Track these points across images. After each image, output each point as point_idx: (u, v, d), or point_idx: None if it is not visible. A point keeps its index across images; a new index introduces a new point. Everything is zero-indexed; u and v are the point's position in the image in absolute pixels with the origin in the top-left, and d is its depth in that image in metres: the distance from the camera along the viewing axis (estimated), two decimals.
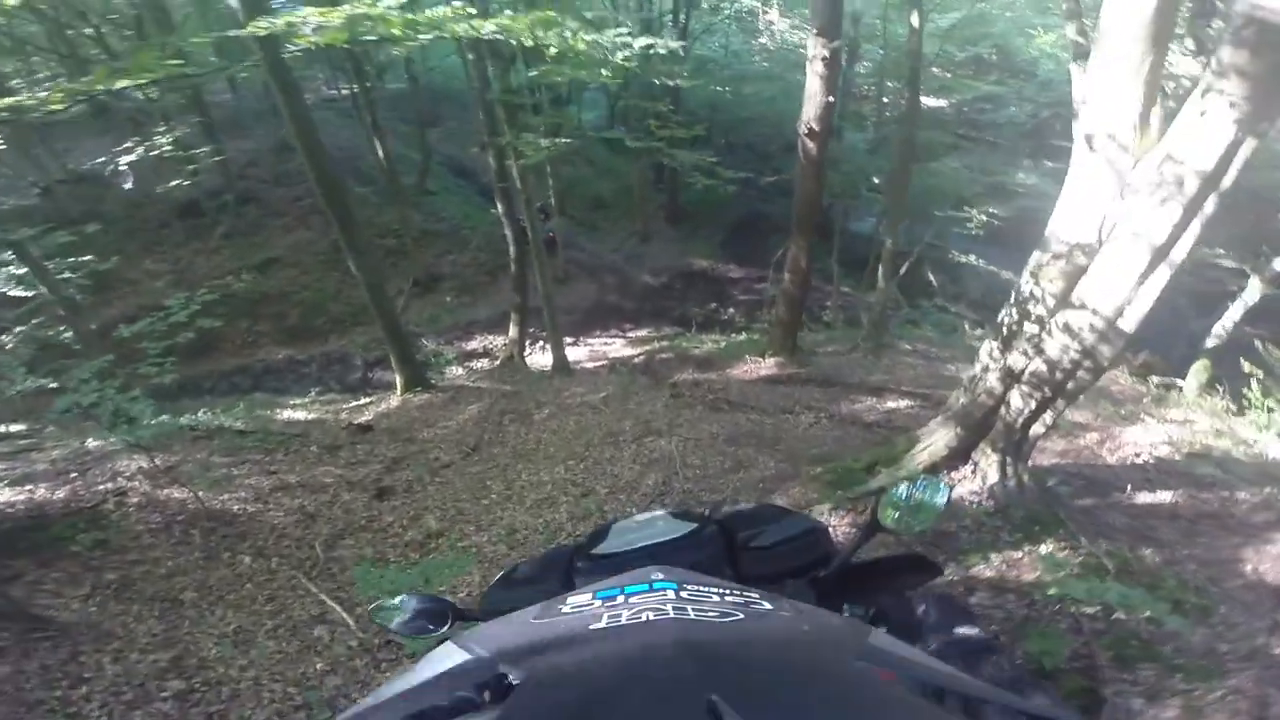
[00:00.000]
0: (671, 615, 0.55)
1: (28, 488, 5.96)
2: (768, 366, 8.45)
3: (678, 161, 11.06)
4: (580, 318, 13.06)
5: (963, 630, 0.94)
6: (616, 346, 12.08)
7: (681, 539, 1.26)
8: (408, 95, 17.65)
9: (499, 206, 10.02)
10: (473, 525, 5.48)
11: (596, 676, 0.46)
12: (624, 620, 0.55)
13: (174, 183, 13.84)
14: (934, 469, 4.04)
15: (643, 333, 12.84)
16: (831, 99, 6.91)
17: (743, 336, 11.90)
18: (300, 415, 9.25)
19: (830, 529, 1.70)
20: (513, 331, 10.75)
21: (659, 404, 7.61)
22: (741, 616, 0.56)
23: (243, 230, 14.92)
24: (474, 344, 12.53)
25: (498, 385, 9.41)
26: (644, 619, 0.55)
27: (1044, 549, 3.54)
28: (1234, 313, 8.15)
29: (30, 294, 9.64)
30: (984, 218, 10.69)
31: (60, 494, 5.85)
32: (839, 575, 1.05)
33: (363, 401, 9.83)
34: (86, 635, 3.87)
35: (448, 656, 0.56)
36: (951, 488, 1.77)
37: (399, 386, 9.41)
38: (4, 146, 12.02)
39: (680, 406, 7.49)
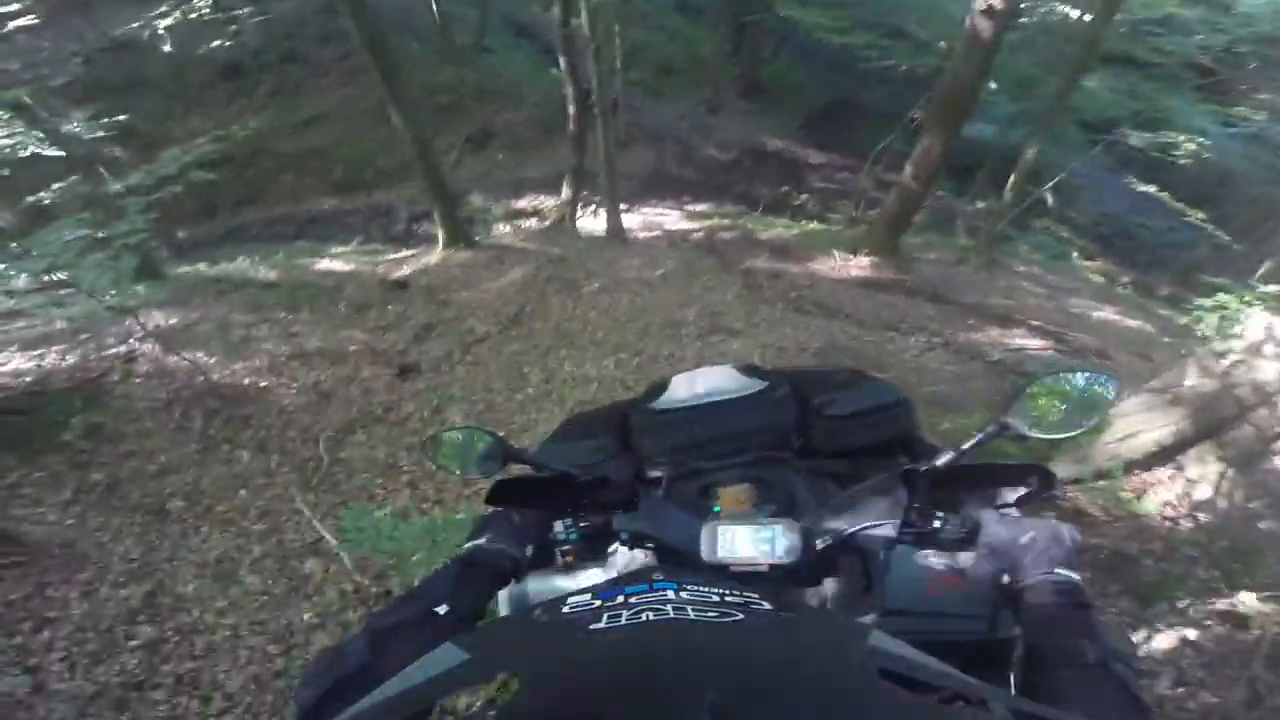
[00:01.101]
0: (671, 615, 0.54)
1: (39, 351, 5.33)
2: (861, 266, 7.07)
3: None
4: (637, 186, 11.69)
5: (1063, 573, 0.69)
6: (673, 219, 10.79)
7: (748, 398, 1.12)
8: None
9: (561, 61, 8.67)
10: (503, 429, 4.54)
11: (596, 677, 0.45)
12: (624, 620, 0.53)
13: (215, 43, 13.00)
14: (1132, 467, 2.93)
15: (703, 207, 11.45)
16: None
17: (814, 225, 10.55)
18: (338, 266, 8.57)
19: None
20: (566, 193, 9.57)
21: (729, 293, 6.44)
22: (741, 617, 0.55)
23: (288, 89, 14.03)
24: (523, 203, 11.42)
25: (545, 248, 8.35)
26: (644, 619, 0.53)
27: (1246, 598, 2.49)
28: None
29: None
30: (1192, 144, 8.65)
31: (69, 360, 5.22)
32: (940, 475, 0.80)
33: (403, 254, 9.07)
34: (58, 560, 3.32)
35: (448, 656, 0.53)
36: (1116, 384, 0.86)
37: (441, 242, 8.43)
38: (39, 21, 11.28)
39: (756, 301, 6.27)
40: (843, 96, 16.26)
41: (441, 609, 0.74)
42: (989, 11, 5.72)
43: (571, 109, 8.77)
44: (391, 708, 0.47)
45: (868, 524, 0.77)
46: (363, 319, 6.32)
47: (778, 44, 16.80)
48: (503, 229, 11.02)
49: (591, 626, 0.53)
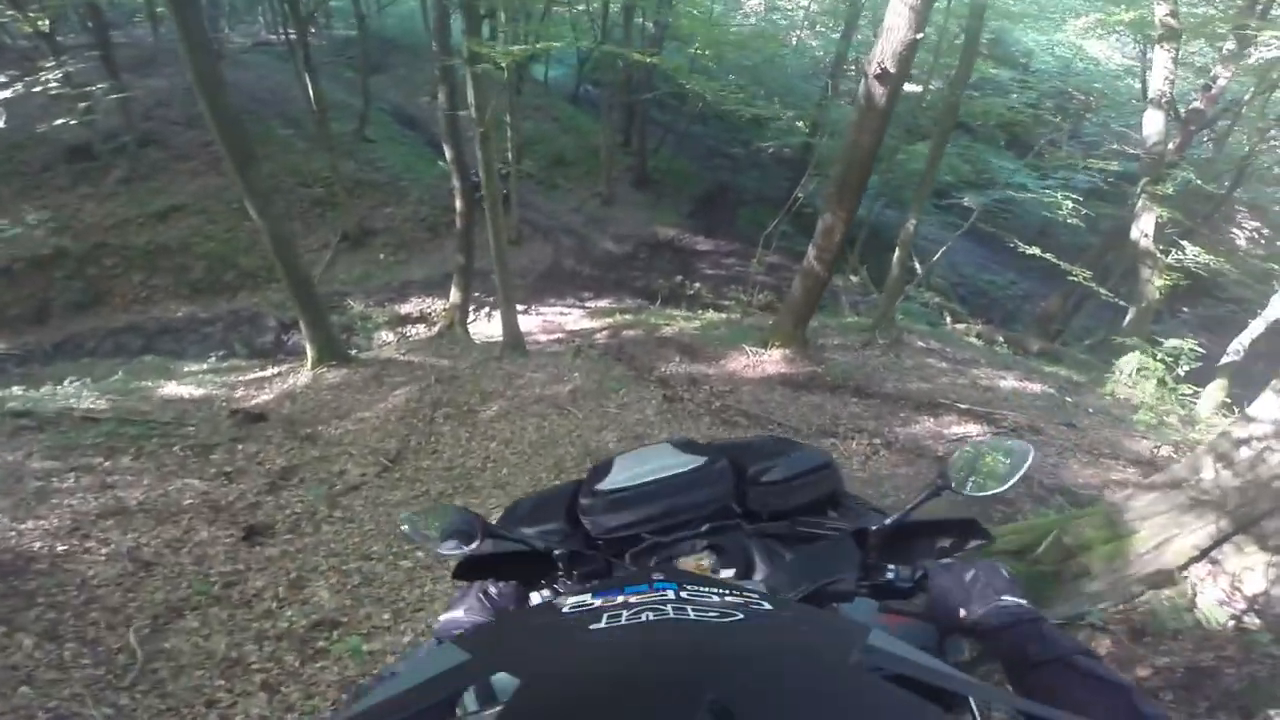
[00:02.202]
0: (671, 616, 0.53)
1: None
2: (774, 361, 6.58)
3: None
4: (533, 282, 11.01)
5: (1009, 599, 0.76)
6: (574, 318, 10.12)
7: (689, 473, 1.14)
8: (356, 41, 15.27)
9: (447, 152, 7.93)
10: (387, 609, 3.51)
11: (596, 677, 0.44)
12: (624, 621, 0.53)
13: (59, 121, 11.34)
14: (1159, 578, 2.60)
15: (603, 303, 10.89)
16: (918, 35, 5.13)
17: (711, 315, 10.36)
18: (185, 391, 7.16)
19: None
20: (455, 295, 8.65)
21: (649, 408, 5.75)
22: (741, 616, 0.54)
23: (143, 175, 12.34)
24: (409, 307, 10.39)
25: (434, 360, 7.35)
26: (644, 619, 0.53)
27: None
28: (1255, 329, 7.07)
29: None
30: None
31: None
32: (888, 534, 0.91)
33: (267, 373, 7.80)
34: None
35: (448, 656, 0.53)
36: (1034, 451, 0.95)
37: (310, 358, 7.30)
38: None
39: (679, 414, 5.65)
40: (721, 182, 16.74)
41: None
42: (882, 76, 5.38)
43: (459, 203, 7.97)
44: (392, 708, 0.46)
45: (828, 580, 0.81)
46: (204, 464, 5.04)
47: (662, 135, 17.27)
48: (386, 338, 9.95)
49: (591, 626, 0.52)
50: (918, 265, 13.55)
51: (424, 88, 15.72)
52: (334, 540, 4.16)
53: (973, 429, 5.21)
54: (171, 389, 7.27)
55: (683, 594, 0.58)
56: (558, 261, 11.70)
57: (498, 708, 0.43)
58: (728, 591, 0.61)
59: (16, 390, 7.11)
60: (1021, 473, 0.88)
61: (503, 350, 7.32)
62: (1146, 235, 7.32)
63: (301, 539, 4.17)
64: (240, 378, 7.78)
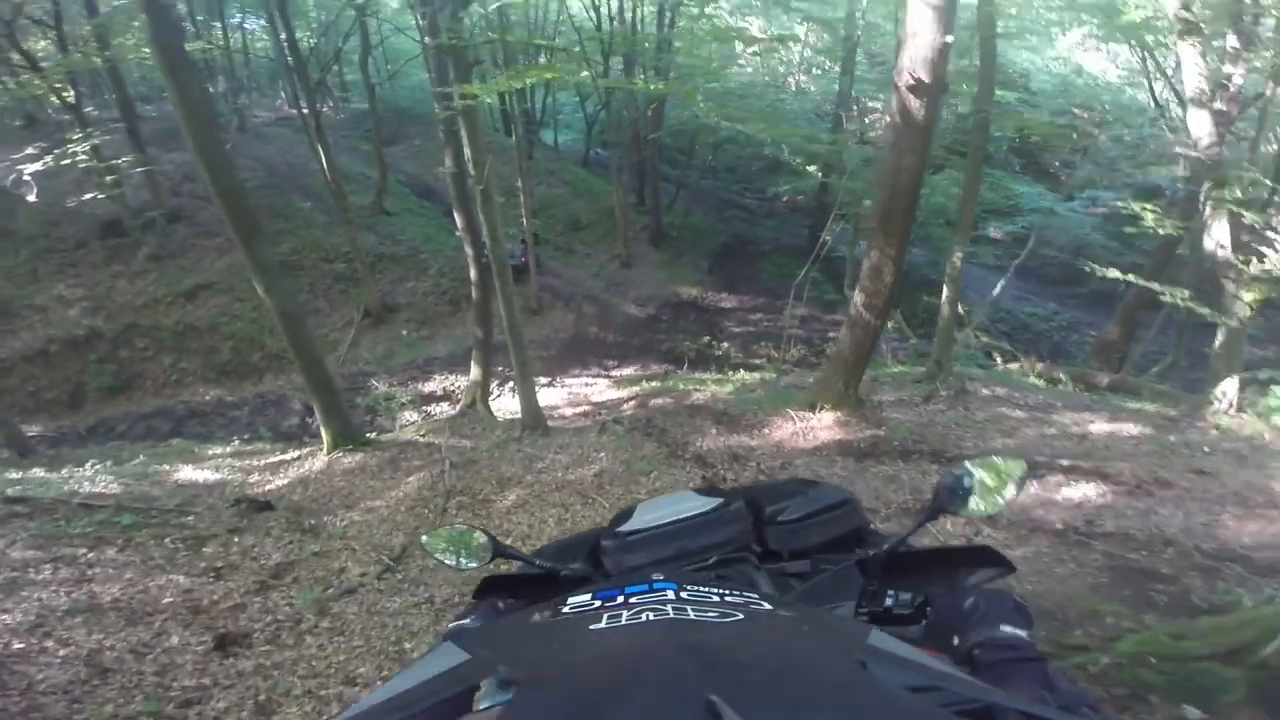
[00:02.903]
0: (671, 616, 0.53)
1: None
2: (826, 426, 5.87)
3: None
4: (556, 353, 10.69)
5: (1008, 630, 0.70)
6: (599, 388, 9.71)
7: (707, 514, 1.14)
8: (369, 112, 15.59)
9: (458, 219, 7.54)
10: None
11: (596, 677, 0.44)
12: (624, 621, 0.52)
13: (88, 195, 11.57)
14: None
15: (628, 371, 10.50)
16: (948, 38, 4.58)
17: (743, 375, 9.92)
18: (201, 475, 6.91)
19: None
20: (474, 372, 8.27)
21: None
22: (741, 617, 0.54)
23: (171, 252, 12.39)
24: (432, 385, 10.07)
25: (454, 441, 6.99)
26: (644, 619, 0.52)
27: None
28: None
29: None
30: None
31: None
32: (890, 559, 0.87)
33: (286, 457, 7.53)
34: None
35: (448, 656, 0.53)
36: (1031, 468, 1.33)
37: (326, 444, 6.99)
38: None
39: None
40: (738, 234, 16.51)
41: None
42: (917, 88, 4.64)
43: (473, 272, 7.56)
44: (392, 708, 0.45)
45: (828, 606, 0.80)
46: (194, 558, 4.59)
47: (674, 192, 17.23)
48: (410, 417, 9.64)
49: (591, 626, 0.52)
50: (961, 308, 13.02)
51: (438, 157, 15.91)
52: (316, 656, 3.62)
53: (1088, 490, 4.45)
54: (187, 473, 6.98)
55: (683, 594, 0.57)
56: (580, 330, 11.38)
57: (498, 708, 0.41)
58: (728, 592, 0.59)
59: (38, 472, 6.90)
60: (1018, 489, 0.84)
61: (522, 430, 6.84)
62: (1223, 246, 6.24)
63: (280, 652, 3.64)
64: (259, 461, 7.50)
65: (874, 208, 5.37)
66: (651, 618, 0.52)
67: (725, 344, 11.57)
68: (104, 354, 11.46)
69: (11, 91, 12.92)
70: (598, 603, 0.59)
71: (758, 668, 0.43)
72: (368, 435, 7.73)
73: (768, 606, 0.58)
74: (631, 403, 8.28)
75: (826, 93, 19.01)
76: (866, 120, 16.18)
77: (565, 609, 0.59)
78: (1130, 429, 5.73)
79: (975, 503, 0.86)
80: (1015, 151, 15.89)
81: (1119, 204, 8.04)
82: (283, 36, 11.06)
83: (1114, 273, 7.05)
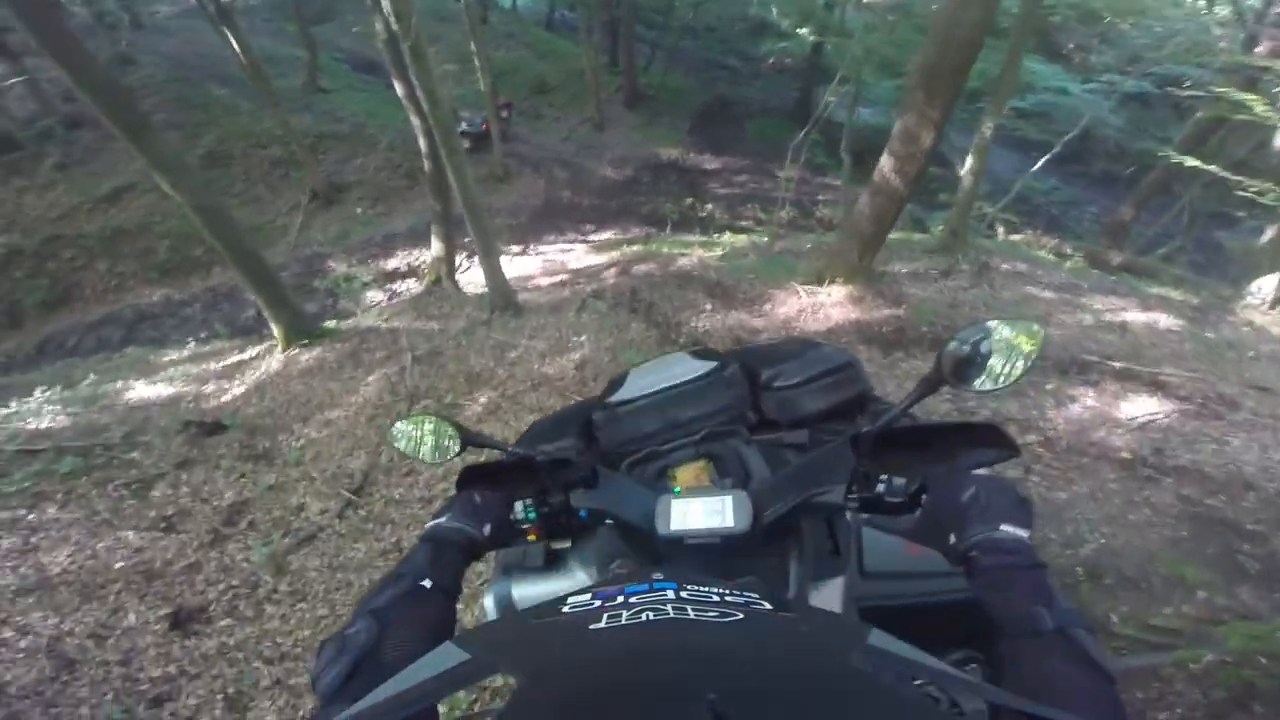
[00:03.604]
0: (671, 615, 0.51)
1: None
2: (839, 303, 5.00)
3: None
4: (528, 220, 9.63)
5: (1008, 529, 0.62)
6: (577, 254, 8.75)
7: (699, 379, 1.06)
8: None
9: (398, 87, 6.27)
10: None
11: (596, 677, 0.42)
12: (623, 620, 0.50)
13: None
14: None
15: (607, 235, 9.51)
16: None
17: (731, 238, 9.02)
18: (155, 391, 6.17)
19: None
20: (436, 247, 7.27)
21: None
22: (741, 616, 0.52)
23: (79, 159, 11.02)
24: (395, 262, 9.07)
25: (418, 324, 6.18)
26: (643, 619, 0.50)
27: None
28: None
29: None
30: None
31: None
32: (885, 436, 0.73)
33: (244, 356, 6.75)
34: None
35: (448, 656, 0.50)
36: (1044, 332, 0.64)
37: (279, 340, 6.16)
38: None
39: None
40: (721, 95, 14.96)
41: (426, 583, 0.70)
42: None
43: (422, 143, 6.43)
44: (392, 707, 0.45)
45: (814, 491, 0.74)
46: (142, 506, 3.94)
47: (650, 53, 15.46)
48: (375, 297, 8.76)
49: (591, 626, 0.50)
50: (964, 175, 12.07)
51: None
52: (279, 631, 3.01)
53: (1149, 404, 3.63)
54: (140, 391, 6.20)
55: (683, 593, 0.56)
56: (553, 195, 10.21)
57: (498, 708, 0.39)
58: (728, 591, 0.58)
59: None
60: (1032, 361, 0.67)
61: (491, 311, 5.93)
62: None
63: (241, 627, 3.05)
64: (216, 365, 6.70)
65: (918, 63, 4.41)
66: (651, 617, 0.50)
67: (709, 206, 10.52)
68: (30, 269, 10.42)
69: None
70: (597, 603, 0.55)
71: (758, 668, 0.42)
72: (325, 325, 6.90)
73: (768, 606, 0.55)
74: (612, 270, 7.39)
75: None
76: None
77: (565, 608, 0.56)
78: (1165, 320, 5.00)
79: (986, 374, 0.67)
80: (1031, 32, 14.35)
81: (1214, 91, 6.73)
82: None
83: (1192, 161, 6.28)
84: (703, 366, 1.08)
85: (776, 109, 14.88)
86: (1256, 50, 7.37)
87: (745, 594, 0.58)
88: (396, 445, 0.93)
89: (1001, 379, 0.68)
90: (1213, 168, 6.41)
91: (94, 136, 11.24)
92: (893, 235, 7.89)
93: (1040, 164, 8.45)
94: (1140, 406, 3.63)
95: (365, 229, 9.76)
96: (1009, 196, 6.87)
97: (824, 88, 15.37)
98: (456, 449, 0.89)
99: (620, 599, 0.55)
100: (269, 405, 5.24)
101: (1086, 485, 3.01)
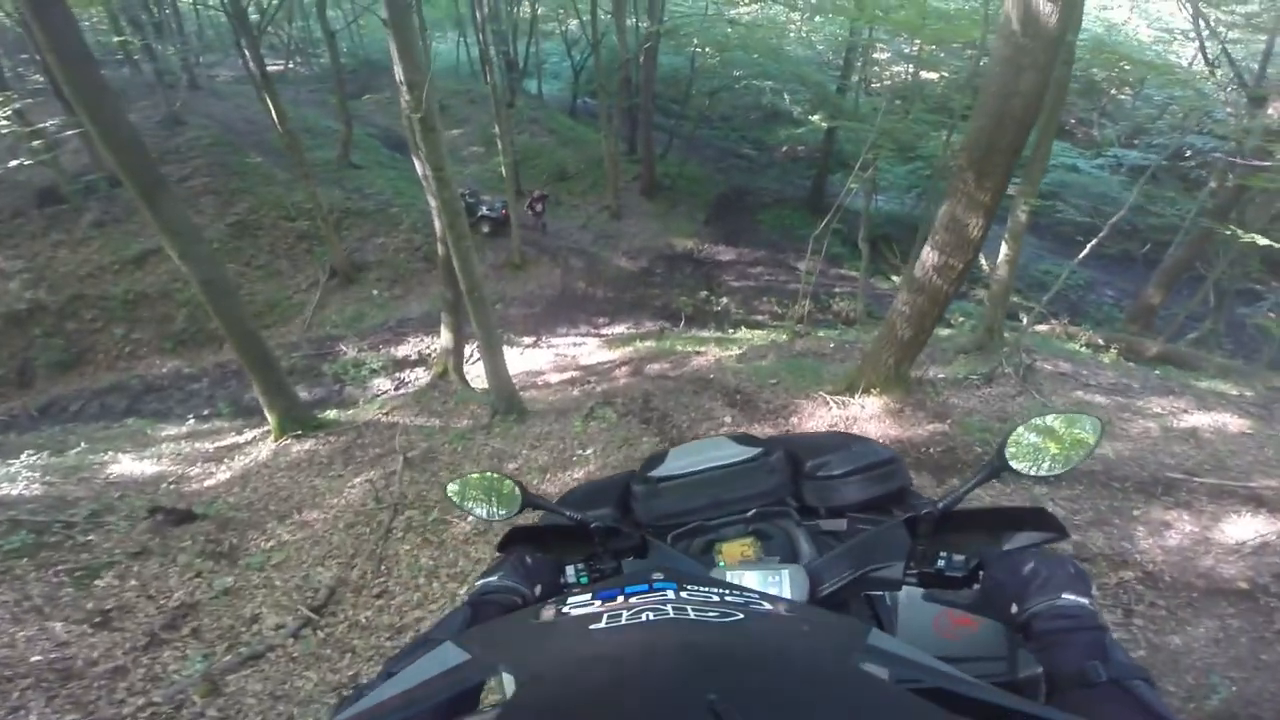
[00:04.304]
0: (671, 615, 0.51)
1: None
2: (875, 416, 4.55)
3: None
4: (542, 310, 9.49)
5: (1069, 598, 0.63)
6: (589, 349, 8.58)
7: (743, 463, 1.06)
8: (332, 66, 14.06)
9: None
10: None
11: (596, 677, 0.42)
12: (624, 620, 0.51)
13: (14, 162, 10.26)
14: None
15: (620, 329, 9.33)
16: None
17: (748, 334, 8.87)
18: (139, 468, 5.97)
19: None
20: (445, 338, 7.02)
21: None
22: (741, 616, 0.52)
23: (116, 217, 11.07)
24: (406, 349, 8.91)
25: (419, 420, 5.98)
26: (644, 619, 0.51)
27: None
28: None
29: None
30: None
31: None
32: (941, 519, 0.77)
33: (239, 440, 6.56)
34: None
35: (448, 656, 0.51)
36: (1104, 424, 0.89)
37: (272, 428, 5.94)
38: None
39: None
40: (736, 185, 15.18)
41: None
42: None
43: (438, 224, 6.02)
44: (392, 708, 0.44)
45: (871, 567, 0.74)
46: (82, 595, 3.59)
47: (668, 141, 15.89)
48: (382, 385, 8.60)
49: (591, 627, 0.51)
50: (984, 263, 11.87)
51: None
52: None
53: (1254, 524, 3.19)
54: (125, 466, 5.98)
55: (683, 594, 0.56)
56: (568, 285, 10.11)
57: (498, 708, 0.39)
58: (728, 591, 0.58)
59: None
60: (1091, 450, 0.75)
61: (493, 415, 5.59)
62: None
63: None
64: (209, 446, 6.50)
65: (966, 141, 3.91)
66: (651, 618, 0.50)
67: (724, 299, 10.42)
68: (50, 327, 10.44)
69: None
70: (598, 603, 0.56)
71: (758, 668, 0.42)
72: (322, 415, 6.70)
73: (768, 606, 0.56)
74: (624, 369, 7.20)
75: (830, 42, 17.53)
76: (876, 69, 14.79)
77: (565, 608, 0.56)
78: (1233, 422, 4.56)
79: (1043, 463, 0.76)
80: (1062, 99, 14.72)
81: (1226, 159, 6.67)
82: None
83: (1254, 237, 5.93)
84: (746, 451, 1.08)
85: (791, 198, 15.08)
86: (1269, 113, 7.11)
87: (745, 594, 0.58)
88: (453, 499, 0.94)
89: (1059, 466, 0.74)
90: (1260, 239, 6.06)
91: (133, 196, 11.47)
92: (941, 335, 7.59)
93: (1077, 260, 8.16)
94: (1245, 527, 3.19)
95: (380, 312, 9.69)
96: (1052, 291, 6.50)
97: (838, 175, 15.69)
98: (516, 509, 0.89)
99: (620, 599, 0.55)
100: (248, 497, 4.98)
101: (1203, 625, 2.59)
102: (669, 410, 5.19)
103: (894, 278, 11.39)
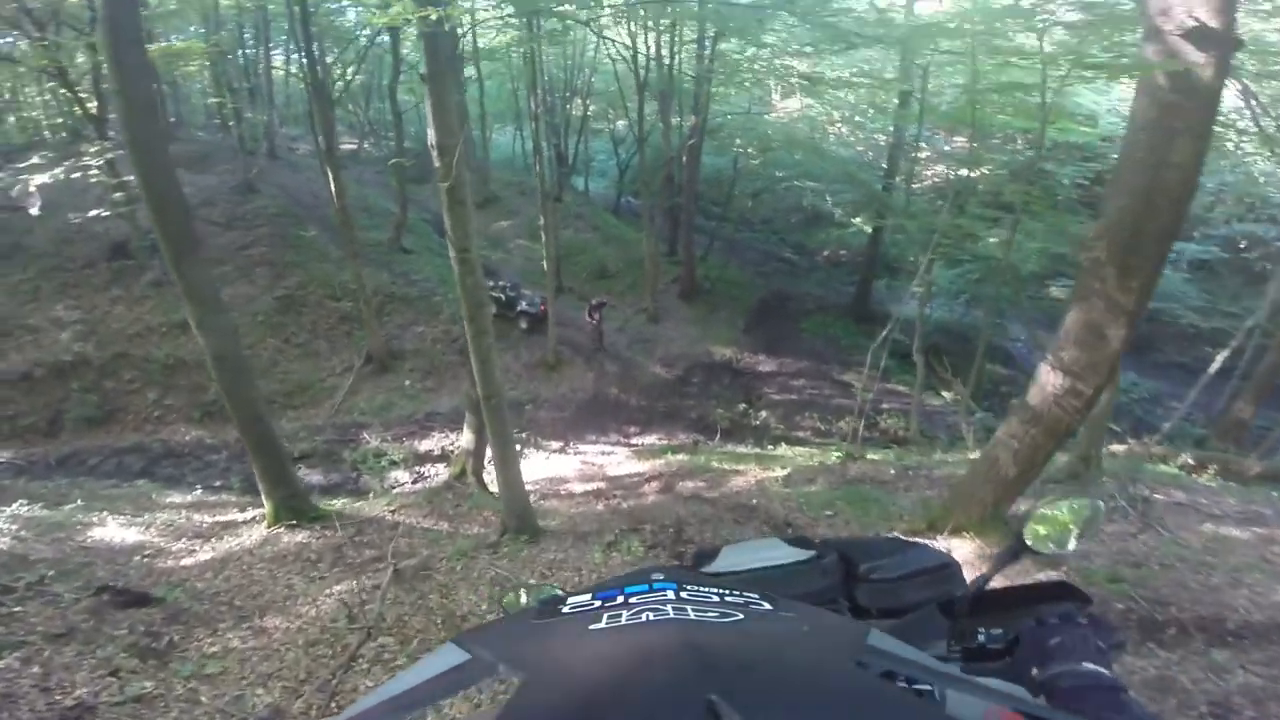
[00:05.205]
0: (671, 615, 0.51)
1: None
2: (967, 560, 3.78)
3: None
4: (572, 415, 9.12)
5: (1089, 666, 0.68)
6: (618, 459, 8.06)
7: (797, 565, 1.04)
8: (396, 146, 14.74)
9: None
10: None
11: (596, 677, 0.42)
12: (624, 621, 0.51)
13: (93, 213, 10.80)
14: None
15: (651, 439, 8.84)
16: None
17: (788, 452, 8.35)
18: (125, 534, 5.63)
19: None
20: (466, 437, 6.61)
21: None
22: (741, 617, 0.52)
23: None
24: (430, 444, 8.56)
25: (425, 524, 5.56)
26: (643, 619, 0.51)
27: None
28: None
29: None
30: None
31: None
32: (976, 599, 0.86)
33: (234, 517, 6.23)
34: None
35: (448, 656, 0.51)
36: (1105, 507, 1.16)
37: (267, 515, 5.57)
38: None
39: None
40: (778, 290, 15.00)
41: None
42: (1197, 34, 2.74)
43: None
44: (392, 708, 0.44)
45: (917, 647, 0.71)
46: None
47: (709, 243, 16.04)
48: (400, 478, 8.26)
49: (591, 626, 0.51)
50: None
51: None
52: None
53: None
54: (110, 531, 5.66)
55: (683, 594, 0.56)
56: (601, 390, 9.74)
57: (498, 707, 0.38)
58: (728, 591, 0.58)
59: None
60: (1097, 531, 0.85)
61: (502, 533, 4.97)
62: None
63: None
64: (207, 519, 6.18)
65: (1103, 227, 3.21)
66: (651, 618, 0.50)
67: (764, 413, 9.92)
68: (89, 383, 10.57)
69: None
70: (598, 603, 0.56)
71: (758, 668, 0.41)
72: (329, 505, 6.30)
73: (768, 606, 0.56)
74: (654, 484, 6.70)
75: (868, 142, 17.97)
76: (918, 168, 14.90)
77: (564, 608, 0.56)
78: None
79: (1056, 543, 0.88)
80: (1081, 201, 14.45)
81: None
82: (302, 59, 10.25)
83: None
84: (799, 553, 1.06)
85: (834, 304, 14.81)
86: None
87: (745, 594, 0.58)
88: (509, 611, 0.94)
89: (1070, 544, 0.88)
90: None
91: (164, 254, 11.84)
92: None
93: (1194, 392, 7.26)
94: None
95: (410, 403, 9.47)
96: (1175, 418, 5.70)
97: (884, 280, 15.44)
98: None
99: (620, 599, 0.55)
100: (219, 585, 4.52)
101: None
102: (704, 541, 4.68)
103: (944, 393, 10.82)
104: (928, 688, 0.52)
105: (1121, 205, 3.03)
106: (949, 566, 1.06)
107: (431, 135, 3.78)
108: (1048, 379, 3.42)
